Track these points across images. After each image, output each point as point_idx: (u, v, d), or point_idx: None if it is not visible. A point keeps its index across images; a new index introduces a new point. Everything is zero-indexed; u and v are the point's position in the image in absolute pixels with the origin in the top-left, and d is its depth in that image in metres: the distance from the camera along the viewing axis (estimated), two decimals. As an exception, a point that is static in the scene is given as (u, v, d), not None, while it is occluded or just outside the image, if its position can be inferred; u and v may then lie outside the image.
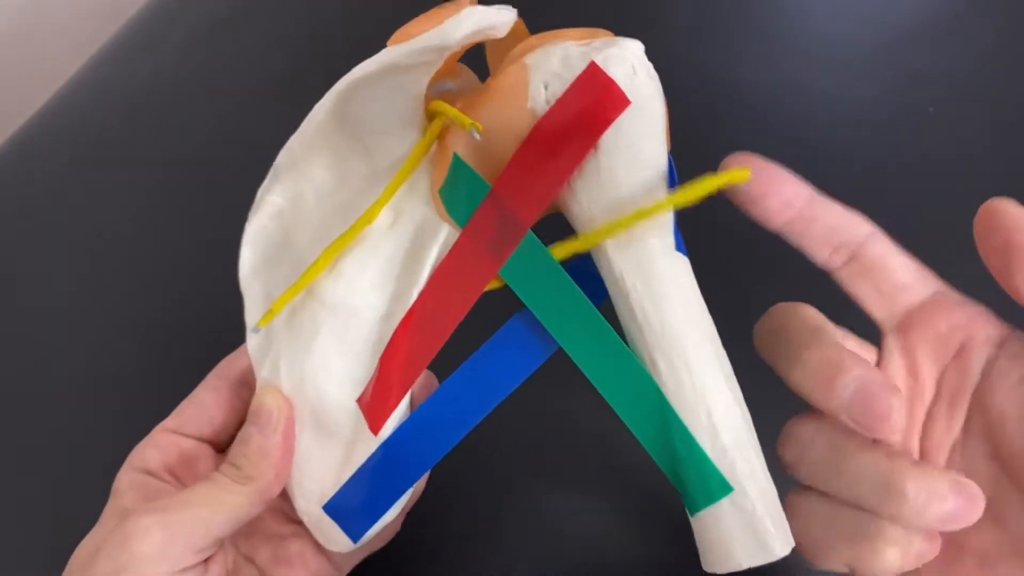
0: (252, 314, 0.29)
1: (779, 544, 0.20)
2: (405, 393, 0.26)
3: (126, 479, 0.28)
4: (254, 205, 0.29)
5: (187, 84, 0.51)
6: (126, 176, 0.47)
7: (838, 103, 0.41)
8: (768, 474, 0.21)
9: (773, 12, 0.44)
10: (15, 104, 0.57)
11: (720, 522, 0.20)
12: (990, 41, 0.42)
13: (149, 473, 0.28)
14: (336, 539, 0.28)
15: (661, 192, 0.22)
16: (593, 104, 0.22)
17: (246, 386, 0.29)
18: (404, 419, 0.26)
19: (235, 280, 0.29)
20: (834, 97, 0.41)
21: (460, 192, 0.24)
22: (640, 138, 0.22)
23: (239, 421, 0.30)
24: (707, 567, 0.21)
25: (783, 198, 0.21)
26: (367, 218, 0.26)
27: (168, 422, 0.29)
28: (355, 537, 0.27)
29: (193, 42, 0.53)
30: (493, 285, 0.24)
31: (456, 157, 0.24)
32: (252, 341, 0.29)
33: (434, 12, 0.24)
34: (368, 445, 0.26)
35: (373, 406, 0.26)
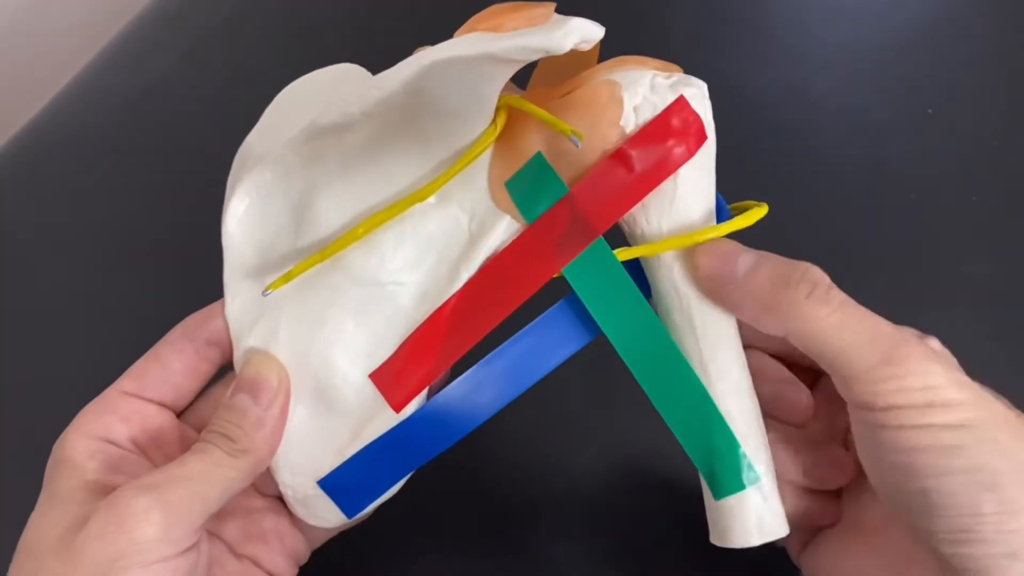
0: (234, 269, 0.27)
1: (783, 526, 0.24)
2: (440, 373, 0.26)
3: (83, 447, 0.24)
4: (255, 158, 0.26)
5: (187, 87, 0.50)
6: (126, 178, 0.46)
7: (838, 105, 0.40)
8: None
9: (773, 15, 0.44)
10: (16, 106, 0.56)
11: (744, 505, 0.24)
12: (989, 43, 0.42)
13: (111, 442, 0.25)
14: (325, 515, 0.27)
15: (713, 216, 0.25)
16: (679, 134, 0.24)
17: (214, 348, 0.27)
18: (420, 400, 0.26)
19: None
20: (834, 99, 0.40)
21: (534, 189, 0.25)
22: (708, 170, 0.25)
23: (201, 385, 0.27)
24: (724, 543, 0.24)
25: None
26: (419, 196, 0.25)
27: (126, 383, 0.26)
28: (351, 513, 0.26)
29: (193, 45, 0.52)
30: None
31: (539, 155, 0.25)
32: (234, 304, 0.27)
33: (521, 7, 0.24)
34: (381, 422, 0.26)
35: (396, 383, 0.26)
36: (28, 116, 0.52)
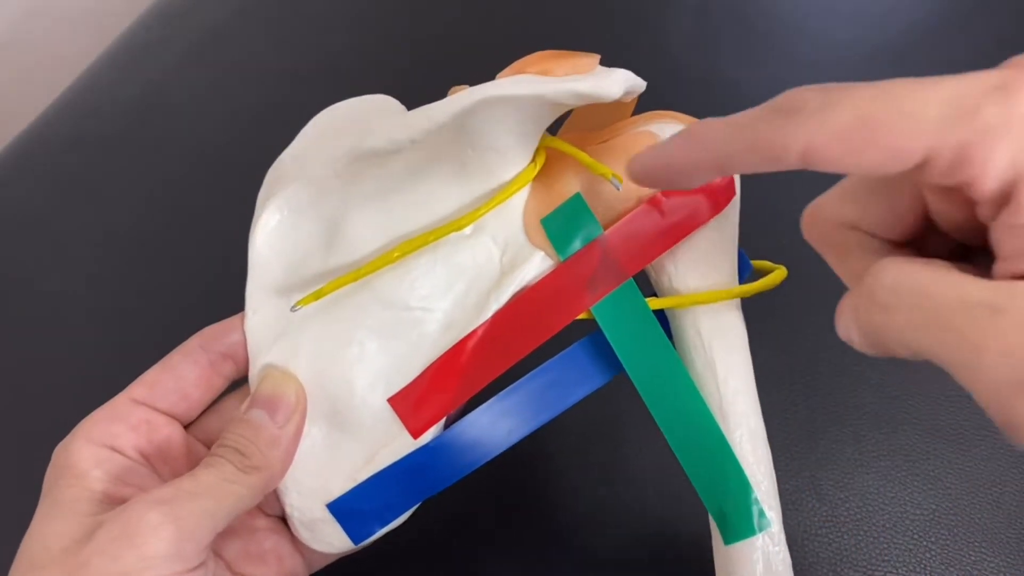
0: (259, 284, 0.25)
1: (789, 574, 0.24)
2: (461, 402, 0.25)
3: (89, 454, 0.22)
4: (290, 175, 0.25)
5: (190, 88, 0.48)
6: (129, 180, 0.45)
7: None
8: None
9: (773, 16, 0.43)
10: (19, 107, 0.56)
11: (754, 552, 0.24)
12: (989, 43, 0.40)
13: (117, 451, 0.23)
14: (330, 540, 0.25)
15: (735, 267, 0.25)
16: (711, 188, 0.24)
17: (229, 362, 0.25)
18: (437, 428, 0.25)
19: (242, 282, 0.26)
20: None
21: (570, 227, 0.24)
22: (733, 223, 0.25)
23: (212, 399, 0.26)
24: None
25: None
26: (456, 225, 0.24)
27: (137, 391, 0.24)
28: (359, 539, 0.25)
29: (196, 46, 0.50)
30: (579, 317, 0.25)
31: (578, 196, 0.24)
32: (255, 318, 0.25)
33: (567, 55, 0.25)
34: (396, 449, 0.25)
35: (415, 409, 0.25)
36: (31, 117, 0.50)
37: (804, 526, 0.29)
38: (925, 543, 0.28)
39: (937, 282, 0.16)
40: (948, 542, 0.28)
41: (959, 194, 0.16)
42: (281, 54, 0.50)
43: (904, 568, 0.28)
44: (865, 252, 0.19)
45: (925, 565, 0.28)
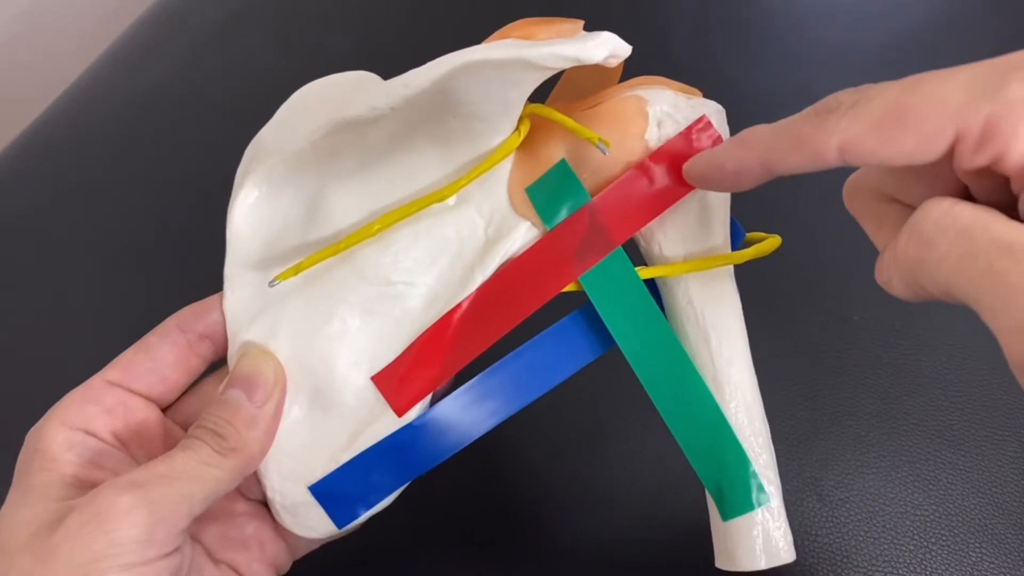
0: (238, 261, 0.24)
1: (791, 550, 0.23)
2: (448, 378, 0.24)
3: (62, 438, 0.21)
4: (268, 151, 0.24)
5: (190, 88, 0.48)
6: (129, 179, 0.44)
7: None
8: None
9: (773, 17, 0.42)
10: (19, 107, 0.55)
11: (753, 527, 0.22)
12: (991, 45, 0.36)
13: (91, 434, 0.22)
14: (313, 524, 0.24)
15: (727, 234, 0.24)
16: (699, 151, 0.23)
17: (207, 342, 0.24)
18: (422, 406, 0.24)
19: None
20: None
21: (556, 195, 0.23)
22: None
23: (190, 380, 0.25)
24: (730, 566, 0.23)
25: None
26: (439, 196, 0.23)
27: (112, 373, 0.23)
28: (342, 523, 0.24)
29: (196, 46, 0.50)
30: (567, 288, 0.23)
31: (564, 162, 0.23)
32: (234, 297, 0.24)
33: (551, 20, 0.23)
34: (379, 428, 0.24)
35: (399, 387, 0.24)
36: (32, 117, 0.50)
37: (805, 526, 0.28)
38: (926, 544, 0.27)
39: (982, 222, 0.16)
40: (949, 542, 0.27)
41: (992, 174, 0.17)
42: (281, 54, 0.49)
43: (905, 568, 0.27)
44: (903, 224, 0.18)
45: (926, 565, 0.27)
